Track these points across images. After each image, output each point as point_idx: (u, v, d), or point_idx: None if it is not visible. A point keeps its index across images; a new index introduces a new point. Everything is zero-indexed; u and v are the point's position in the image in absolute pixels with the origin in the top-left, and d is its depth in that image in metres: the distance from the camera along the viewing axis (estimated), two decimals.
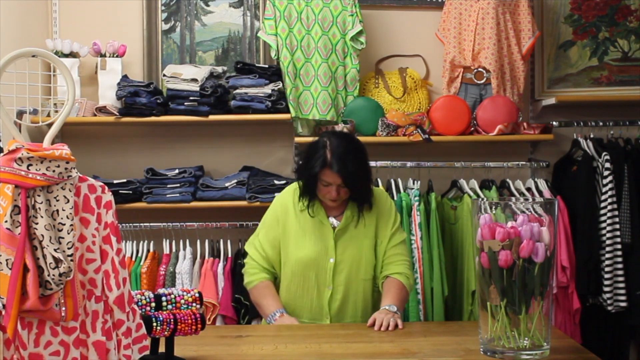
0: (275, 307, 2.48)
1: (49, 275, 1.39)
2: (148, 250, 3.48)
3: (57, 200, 1.43)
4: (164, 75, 3.47)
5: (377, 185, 3.36)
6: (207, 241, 3.51)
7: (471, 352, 2.02)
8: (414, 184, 3.38)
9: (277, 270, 2.58)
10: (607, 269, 3.28)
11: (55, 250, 1.39)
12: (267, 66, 3.50)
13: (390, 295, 2.43)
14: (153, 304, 1.86)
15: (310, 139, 3.52)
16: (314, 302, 2.50)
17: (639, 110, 3.59)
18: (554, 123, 3.50)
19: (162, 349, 1.92)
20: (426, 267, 3.20)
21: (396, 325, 2.30)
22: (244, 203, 3.42)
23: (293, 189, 2.58)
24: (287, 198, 2.58)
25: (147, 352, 1.60)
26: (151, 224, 3.51)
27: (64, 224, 1.42)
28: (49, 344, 1.46)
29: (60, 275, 1.39)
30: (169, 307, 1.88)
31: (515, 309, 1.91)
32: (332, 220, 2.52)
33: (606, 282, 3.28)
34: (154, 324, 1.83)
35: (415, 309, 3.19)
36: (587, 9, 3.72)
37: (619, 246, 3.29)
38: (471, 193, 3.36)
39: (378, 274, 2.53)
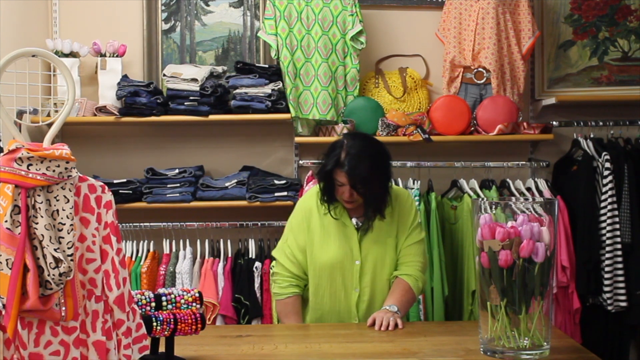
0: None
1: (49, 275, 1.39)
2: (148, 250, 3.49)
3: (57, 200, 1.43)
4: (164, 75, 3.47)
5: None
6: (207, 241, 3.51)
7: (471, 352, 2.02)
8: (414, 183, 3.38)
9: (307, 275, 2.55)
10: (607, 269, 3.28)
11: (55, 250, 1.39)
12: (267, 66, 3.50)
13: (394, 296, 2.43)
14: (153, 304, 1.86)
15: (310, 138, 3.54)
16: (342, 304, 2.49)
17: (639, 110, 3.59)
18: (554, 123, 3.50)
19: (162, 348, 1.92)
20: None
21: (396, 325, 2.29)
22: (244, 203, 3.42)
23: (315, 191, 2.55)
24: (310, 201, 2.56)
25: (147, 352, 1.60)
26: (151, 224, 3.51)
27: (64, 224, 1.42)
28: (49, 344, 1.46)
29: (60, 275, 1.39)
30: (169, 307, 1.88)
31: (516, 309, 1.91)
32: (355, 221, 2.50)
33: (606, 282, 3.28)
34: (154, 324, 1.83)
35: (415, 309, 3.18)
36: (587, 8, 3.72)
37: (619, 246, 3.29)
38: (471, 193, 3.36)
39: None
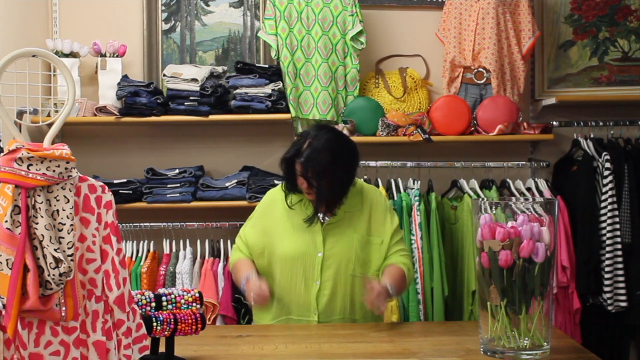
0: (245, 272, 2.47)
1: (49, 275, 1.39)
2: (148, 250, 3.49)
3: (57, 200, 1.43)
4: (164, 75, 3.47)
5: (378, 186, 3.36)
6: (207, 241, 3.51)
7: (471, 352, 2.02)
8: (414, 184, 3.38)
9: (255, 259, 2.56)
10: (607, 269, 3.28)
11: (55, 250, 1.39)
12: (267, 66, 3.50)
13: (387, 275, 2.42)
14: (153, 304, 1.86)
15: None
16: (302, 297, 2.47)
17: (639, 110, 3.59)
18: (554, 123, 3.50)
19: (162, 348, 1.92)
20: (426, 267, 3.20)
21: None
22: (244, 203, 3.42)
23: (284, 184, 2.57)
24: (277, 193, 2.59)
25: (147, 352, 1.60)
26: (151, 224, 3.51)
27: (64, 224, 1.42)
28: (49, 344, 1.46)
29: (60, 275, 1.39)
30: (169, 307, 1.88)
31: (516, 309, 1.91)
32: (321, 215, 2.49)
33: (606, 282, 3.28)
34: (154, 324, 1.83)
35: (415, 309, 3.19)
36: (587, 8, 3.72)
37: (619, 246, 3.29)
38: (471, 193, 3.36)
39: (379, 270, 2.50)
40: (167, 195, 3.42)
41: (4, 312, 1.37)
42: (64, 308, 1.43)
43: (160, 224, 3.51)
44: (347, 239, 2.48)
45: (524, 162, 3.54)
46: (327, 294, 2.45)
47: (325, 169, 2.35)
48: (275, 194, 2.59)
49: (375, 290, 2.31)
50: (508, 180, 3.45)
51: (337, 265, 2.46)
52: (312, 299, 2.46)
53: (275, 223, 2.53)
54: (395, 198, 3.30)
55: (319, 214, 2.48)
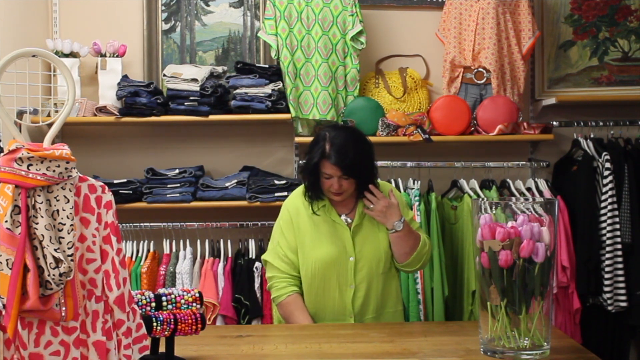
0: (306, 322, 2.44)
1: (49, 275, 1.39)
2: (148, 250, 3.49)
3: (58, 200, 1.43)
4: (164, 75, 3.47)
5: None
6: (207, 241, 3.51)
7: (471, 352, 2.02)
8: (414, 184, 3.38)
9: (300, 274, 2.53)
10: (607, 269, 3.28)
11: (55, 250, 1.39)
12: (267, 66, 3.50)
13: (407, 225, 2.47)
14: (153, 304, 1.86)
15: (310, 139, 3.53)
16: (337, 301, 2.47)
17: (639, 110, 3.59)
18: (554, 123, 3.50)
19: (162, 349, 1.92)
20: (426, 267, 3.19)
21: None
22: (244, 203, 3.42)
23: (301, 191, 2.55)
24: (297, 200, 2.55)
25: (147, 352, 1.60)
26: (151, 224, 3.51)
27: (64, 224, 1.42)
28: (49, 344, 1.46)
29: (60, 275, 1.39)
30: (169, 307, 1.88)
31: (516, 309, 1.91)
32: (345, 218, 2.50)
33: (606, 282, 3.28)
34: (154, 324, 1.83)
35: (416, 309, 3.19)
36: (587, 8, 3.72)
37: (619, 246, 3.29)
38: (471, 193, 3.36)
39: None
40: (167, 195, 3.42)
41: (4, 312, 1.36)
42: (64, 308, 1.43)
43: (160, 224, 3.51)
44: (374, 239, 2.49)
45: (524, 162, 3.54)
46: (362, 295, 2.47)
47: (358, 160, 2.40)
48: (296, 204, 2.55)
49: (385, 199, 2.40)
50: (508, 180, 3.45)
51: (368, 266, 2.47)
52: (347, 303, 2.47)
53: (304, 233, 2.50)
54: None
55: (342, 217, 2.49)
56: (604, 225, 3.30)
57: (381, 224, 2.46)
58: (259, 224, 3.53)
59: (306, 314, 2.46)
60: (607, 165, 3.30)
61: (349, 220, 2.50)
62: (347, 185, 2.42)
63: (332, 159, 2.37)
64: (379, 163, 3.41)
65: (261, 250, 3.50)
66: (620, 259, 3.29)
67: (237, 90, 3.45)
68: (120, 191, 3.39)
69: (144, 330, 1.58)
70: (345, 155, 2.36)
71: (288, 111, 3.46)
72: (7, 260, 1.37)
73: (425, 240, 2.51)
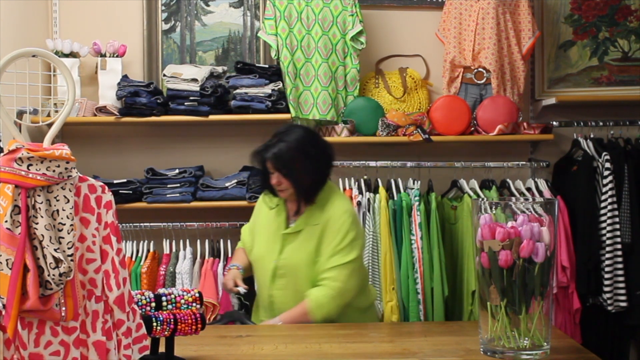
0: (232, 262, 2.61)
1: (49, 275, 1.39)
2: (148, 250, 3.49)
3: (57, 200, 1.42)
4: (164, 75, 3.47)
5: (378, 186, 3.37)
6: (207, 241, 3.51)
7: (471, 352, 2.02)
8: (414, 184, 3.38)
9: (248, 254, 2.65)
10: (607, 269, 3.28)
11: (55, 250, 1.39)
12: (267, 66, 3.50)
13: (288, 314, 2.39)
14: (153, 304, 1.86)
15: None
16: (264, 300, 2.52)
17: (639, 110, 3.59)
18: (554, 123, 3.50)
19: (162, 349, 1.92)
20: (426, 267, 3.20)
21: None
22: (244, 203, 3.42)
23: None
24: (264, 195, 2.64)
25: (147, 352, 1.60)
26: (151, 224, 3.51)
27: (64, 224, 1.42)
28: (49, 344, 1.46)
29: (60, 275, 1.39)
30: (169, 307, 1.88)
31: (516, 309, 1.91)
32: (292, 221, 2.50)
33: (606, 282, 3.28)
34: (154, 324, 1.83)
35: (416, 309, 3.19)
36: (587, 9, 3.72)
37: (619, 246, 3.29)
38: (471, 193, 3.36)
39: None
40: (167, 195, 3.42)
41: (4, 312, 1.36)
42: (64, 308, 1.43)
43: (160, 224, 3.51)
44: (304, 251, 2.43)
45: (524, 162, 3.54)
46: (280, 302, 2.45)
47: (291, 160, 2.39)
48: (263, 196, 2.63)
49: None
50: (508, 180, 3.45)
51: (287, 277, 2.44)
52: (267, 305, 2.50)
53: (259, 223, 2.59)
54: (395, 198, 3.30)
55: (290, 219, 2.50)
56: (603, 225, 3.30)
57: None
58: None
59: (237, 258, 2.63)
60: (607, 165, 3.30)
61: (291, 225, 2.49)
62: (286, 185, 2.42)
63: (268, 154, 2.41)
64: (379, 163, 3.42)
65: None
66: (620, 259, 3.29)
67: (237, 90, 3.45)
68: (120, 191, 3.39)
69: (143, 330, 1.58)
70: (279, 153, 2.39)
71: (288, 111, 3.46)
72: (7, 260, 1.37)
73: (318, 309, 2.36)
